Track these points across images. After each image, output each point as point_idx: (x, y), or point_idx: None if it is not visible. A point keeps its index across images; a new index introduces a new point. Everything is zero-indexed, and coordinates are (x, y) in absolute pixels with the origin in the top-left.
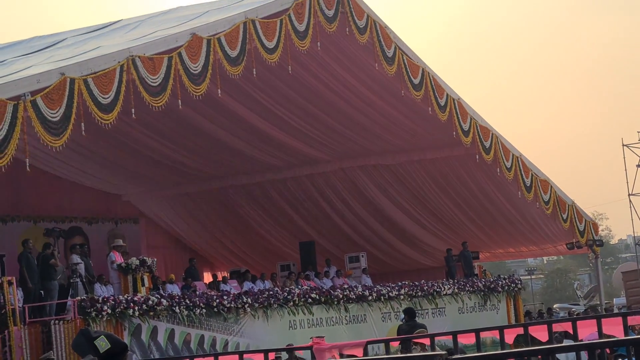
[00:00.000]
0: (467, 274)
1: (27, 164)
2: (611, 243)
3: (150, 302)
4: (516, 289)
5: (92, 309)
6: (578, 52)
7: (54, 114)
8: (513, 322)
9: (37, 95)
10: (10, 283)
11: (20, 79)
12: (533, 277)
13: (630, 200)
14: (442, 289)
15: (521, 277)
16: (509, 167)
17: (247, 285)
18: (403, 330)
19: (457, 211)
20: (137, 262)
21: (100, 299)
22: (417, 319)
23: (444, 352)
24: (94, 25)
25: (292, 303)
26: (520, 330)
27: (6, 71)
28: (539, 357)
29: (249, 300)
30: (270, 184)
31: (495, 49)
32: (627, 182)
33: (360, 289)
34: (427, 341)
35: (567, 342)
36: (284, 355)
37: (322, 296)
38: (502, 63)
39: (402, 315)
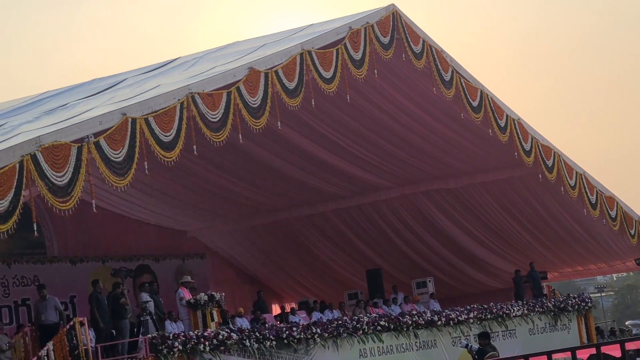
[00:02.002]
0: (535, 294)
1: (93, 205)
2: None
3: (220, 336)
4: (586, 307)
5: (164, 346)
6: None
7: (118, 154)
8: (585, 341)
9: (100, 136)
10: (82, 324)
11: (82, 121)
12: (603, 294)
13: None
14: (512, 311)
15: (591, 295)
16: (572, 185)
17: (316, 315)
18: (486, 352)
19: (523, 232)
20: (206, 297)
21: (171, 335)
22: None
23: None
24: (153, 64)
25: (361, 331)
26: (593, 350)
27: (69, 114)
28: None
29: (319, 330)
30: (334, 214)
31: (555, 64)
32: None
33: (429, 315)
34: None
35: None
36: None
37: (391, 323)
38: (561, 79)
39: (464, 342)
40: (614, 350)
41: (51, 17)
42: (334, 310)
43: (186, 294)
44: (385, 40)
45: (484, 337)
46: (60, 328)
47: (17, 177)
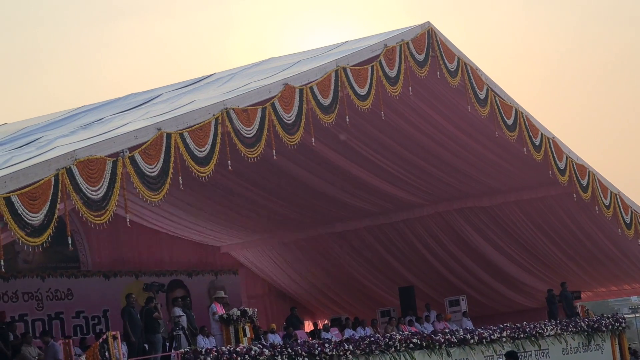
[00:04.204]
0: (568, 314)
1: (128, 220)
2: None
3: (252, 352)
4: (620, 327)
5: None
6: None
7: (152, 169)
8: None
9: (135, 151)
10: (115, 338)
11: (118, 136)
12: (637, 315)
13: None
14: (545, 330)
15: (625, 316)
16: (607, 204)
17: (348, 332)
18: None
19: (557, 251)
20: (238, 312)
21: (203, 350)
22: None
23: None
24: (188, 79)
25: (393, 349)
26: None
27: (104, 129)
28: None
29: (351, 347)
30: (367, 231)
31: (589, 83)
32: None
33: (461, 333)
34: None
35: None
36: None
37: (424, 341)
38: (595, 97)
39: None
40: None
41: (87, 33)
42: (366, 328)
43: (219, 309)
44: (421, 57)
45: (511, 356)
46: None
47: (52, 190)
